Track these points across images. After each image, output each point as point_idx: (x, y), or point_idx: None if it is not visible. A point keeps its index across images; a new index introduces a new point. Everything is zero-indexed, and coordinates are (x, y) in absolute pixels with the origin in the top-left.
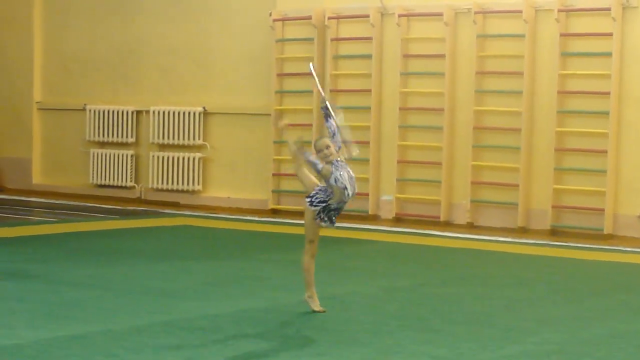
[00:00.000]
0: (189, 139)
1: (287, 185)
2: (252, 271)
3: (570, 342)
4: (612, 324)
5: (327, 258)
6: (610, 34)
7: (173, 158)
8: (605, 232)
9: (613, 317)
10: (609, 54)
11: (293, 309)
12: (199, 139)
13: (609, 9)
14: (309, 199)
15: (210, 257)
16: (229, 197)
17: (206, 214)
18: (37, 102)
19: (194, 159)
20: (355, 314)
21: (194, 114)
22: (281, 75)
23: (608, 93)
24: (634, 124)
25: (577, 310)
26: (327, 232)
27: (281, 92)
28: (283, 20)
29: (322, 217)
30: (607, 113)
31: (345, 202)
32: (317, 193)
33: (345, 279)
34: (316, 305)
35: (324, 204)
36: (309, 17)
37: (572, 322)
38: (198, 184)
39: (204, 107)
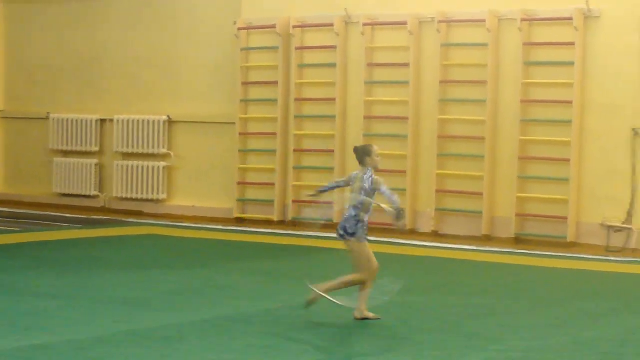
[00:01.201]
0: (153, 147)
1: (252, 194)
2: (216, 280)
3: (534, 349)
4: (576, 332)
5: (293, 267)
6: (573, 43)
7: (137, 167)
8: (568, 239)
9: (576, 324)
10: (571, 63)
11: (258, 318)
12: (163, 148)
13: (571, 19)
14: (352, 235)
15: (174, 266)
16: (193, 206)
17: (171, 223)
18: None
19: (158, 167)
20: (321, 322)
21: (159, 122)
22: (246, 84)
23: (571, 102)
24: (597, 133)
25: (541, 317)
26: (293, 241)
27: (246, 101)
28: (248, 29)
29: (366, 236)
30: (569, 122)
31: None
32: (351, 227)
33: (308, 288)
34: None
35: (361, 224)
36: (274, 26)
37: (536, 329)
38: (163, 193)
39: (168, 116)
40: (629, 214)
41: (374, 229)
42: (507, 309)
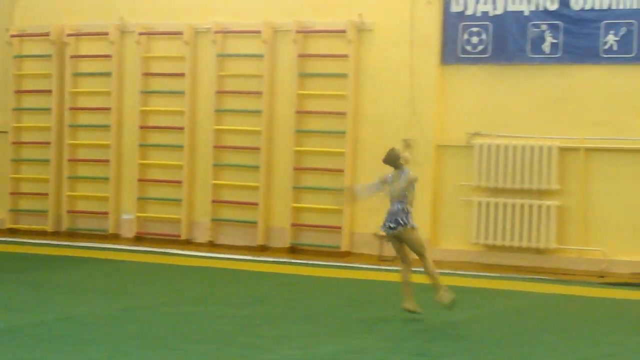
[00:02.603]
0: None
1: (25, 204)
2: None
3: (307, 358)
4: (346, 340)
5: (65, 278)
6: (347, 56)
7: None
8: (342, 249)
9: (349, 332)
10: (345, 75)
11: (28, 330)
12: None
13: (344, 31)
14: (406, 224)
15: None
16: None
17: None
18: None
19: None
20: (93, 334)
21: None
22: (19, 92)
23: (344, 113)
24: (369, 143)
25: (316, 326)
26: (67, 251)
27: (19, 110)
28: (21, 36)
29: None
30: (343, 132)
31: None
32: (402, 218)
33: (83, 300)
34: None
35: (410, 214)
36: (48, 34)
37: (310, 338)
38: None
39: None
40: None
41: (148, 239)
42: (282, 318)
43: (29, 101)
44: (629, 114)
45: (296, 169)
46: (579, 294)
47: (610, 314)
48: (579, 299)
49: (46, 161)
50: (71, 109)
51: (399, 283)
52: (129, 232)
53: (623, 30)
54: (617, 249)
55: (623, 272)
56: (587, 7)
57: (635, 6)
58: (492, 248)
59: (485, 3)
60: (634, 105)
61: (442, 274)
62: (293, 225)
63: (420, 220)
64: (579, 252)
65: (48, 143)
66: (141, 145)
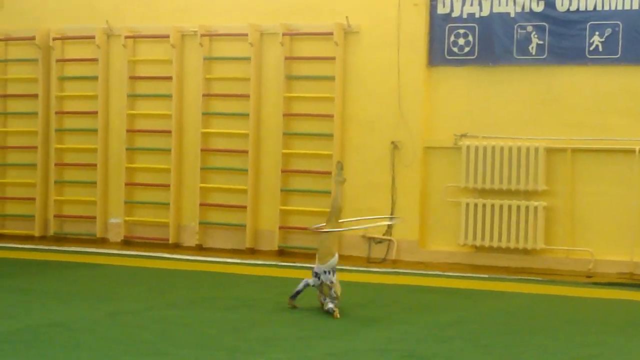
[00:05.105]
0: None
1: (12, 209)
2: None
3: None
4: (336, 342)
5: (52, 283)
6: (333, 58)
7: None
8: None
9: (337, 335)
10: (332, 78)
11: (13, 337)
12: None
13: (331, 34)
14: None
15: None
16: None
17: None
18: None
19: None
20: (80, 340)
21: None
22: (5, 97)
23: (332, 115)
24: (357, 146)
25: (303, 329)
26: (54, 256)
27: (5, 114)
28: (6, 40)
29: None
30: (331, 135)
31: None
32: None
33: (70, 304)
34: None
35: None
36: (33, 38)
37: (297, 341)
38: None
39: None
40: (389, 226)
41: (136, 243)
42: (269, 322)
43: (15, 105)
44: (614, 115)
45: (284, 171)
46: (567, 294)
47: (598, 313)
48: (567, 299)
49: (33, 165)
50: (58, 113)
51: (388, 285)
52: (116, 236)
53: (608, 31)
54: (604, 249)
55: (610, 271)
56: (573, 8)
57: (620, 7)
58: (480, 249)
59: (471, 5)
60: (618, 106)
61: (430, 275)
62: (281, 228)
63: (409, 222)
64: (567, 253)
65: (35, 147)
66: (128, 149)
